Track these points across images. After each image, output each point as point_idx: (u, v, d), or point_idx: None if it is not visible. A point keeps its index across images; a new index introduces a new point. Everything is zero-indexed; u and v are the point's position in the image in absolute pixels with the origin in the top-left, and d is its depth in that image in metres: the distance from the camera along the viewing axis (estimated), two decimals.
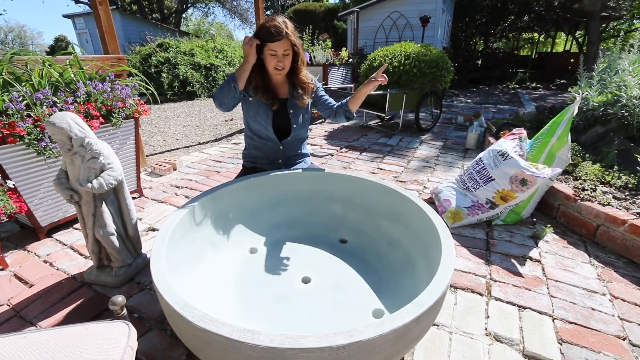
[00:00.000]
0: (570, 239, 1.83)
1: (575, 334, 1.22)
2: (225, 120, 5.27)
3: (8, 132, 1.51)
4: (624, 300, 1.38)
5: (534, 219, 2.03)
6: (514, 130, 2.00)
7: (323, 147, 3.66)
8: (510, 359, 1.12)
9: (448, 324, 1.26)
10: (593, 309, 1.33)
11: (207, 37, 12.00)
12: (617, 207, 1.76)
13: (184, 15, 15.65)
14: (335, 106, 1.69)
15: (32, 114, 1.63)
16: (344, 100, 1.66)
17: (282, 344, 0.71)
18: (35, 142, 1.58)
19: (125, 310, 0.77)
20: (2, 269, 1.57)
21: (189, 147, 3.82)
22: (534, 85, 10.38)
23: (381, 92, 3.81)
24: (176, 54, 7.82)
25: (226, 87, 1.45)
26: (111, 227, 1.39)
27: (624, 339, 1.19)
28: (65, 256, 1.68)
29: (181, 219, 1.24)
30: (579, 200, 1.87)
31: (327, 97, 1.75)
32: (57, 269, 1.58)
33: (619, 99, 2.36)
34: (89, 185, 1.26)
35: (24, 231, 1.91)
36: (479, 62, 12.94)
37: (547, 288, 1.45)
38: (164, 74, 7.50)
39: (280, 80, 1.61)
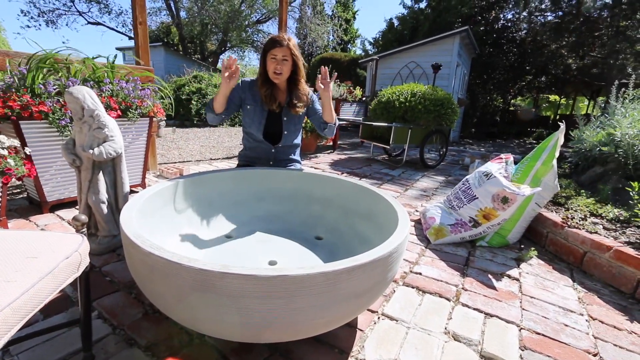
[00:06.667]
0: (556, 265, 1.77)
1: (540, 343, 1.15)
2: (241, 144, 5.57)
3: (37, 109, 1.74)
4: (602, 322, 1.30)
5: (522, 246, 1.99)
6: (501, 155, 2.05)
7: (325, 171, 3.76)
8: (465, 357, 1.07)
9: (408, 320, 1.24)
10: (566, 325, 1.26)
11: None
12: (604, 236, 1.71)
13: (221, 56, 17.24)
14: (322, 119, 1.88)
15: (60, 99, 1.87)
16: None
17: (214, 268, 0.76)
18: (57, 120, 1.79)
19: (85, 229, 0.85)
20: None
21: (200, 160, 4.05)
22: None
23: (387, 124, 3.98)
24: (207, 85, 8.55)
25: (208, 112, 1.68)
26: (103, 195, 1.51)
27: (595, 355, 1.12)
28: (60, 227, 1.80)
29: (164, 188, 1.35)
30: (566, 227, 1.83)
31: (320, 110, 1.91)
32: None
33: (612, 138, 2.38)
34: (90, 151, 1.41)
35: (32, 206, 2.07)
36: (498, 118, 13.18)
37: (520, 302, 1.39)
38: (193, 102, 8.15)
39: (281, 87, 1.78)
